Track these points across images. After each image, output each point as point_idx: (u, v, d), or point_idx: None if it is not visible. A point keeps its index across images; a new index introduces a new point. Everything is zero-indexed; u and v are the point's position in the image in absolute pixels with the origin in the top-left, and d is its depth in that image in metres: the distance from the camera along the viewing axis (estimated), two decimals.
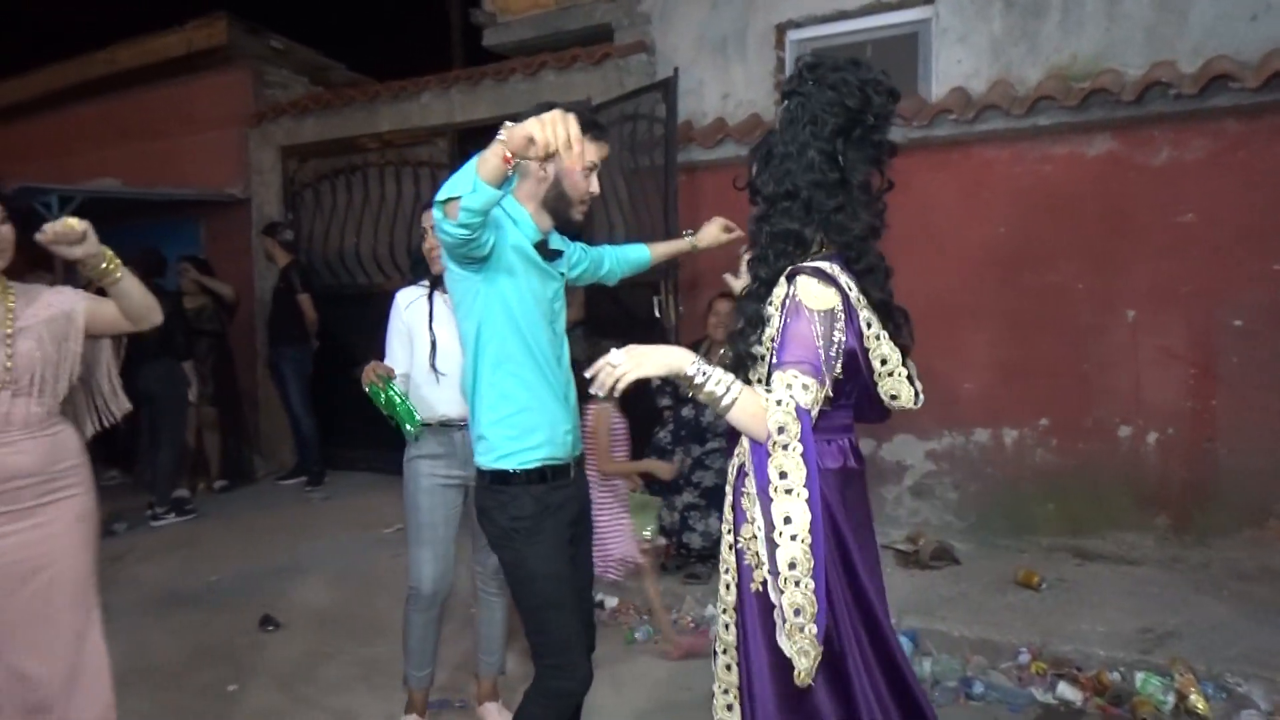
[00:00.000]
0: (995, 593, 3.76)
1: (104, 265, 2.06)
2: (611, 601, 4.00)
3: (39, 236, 1.93)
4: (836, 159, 1.71)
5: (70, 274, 5.34)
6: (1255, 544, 3.88)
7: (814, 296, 1.65)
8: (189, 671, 3.51)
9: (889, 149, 1.77)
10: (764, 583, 1.63)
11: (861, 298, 1.74)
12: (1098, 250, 4.12)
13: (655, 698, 3.23)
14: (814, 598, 1.55)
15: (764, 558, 1.59)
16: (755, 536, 1.64)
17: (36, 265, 5.29)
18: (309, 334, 6.19)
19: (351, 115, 6.54)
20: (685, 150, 4.82)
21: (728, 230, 2.68)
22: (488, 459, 2.08)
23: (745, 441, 1.68)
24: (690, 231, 2.76)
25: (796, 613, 1.55)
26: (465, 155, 1.79)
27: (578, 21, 5.66)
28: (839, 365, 1.68)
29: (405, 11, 12.18)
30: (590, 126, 2.04)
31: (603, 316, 4.71)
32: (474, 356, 2.05)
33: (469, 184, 1.72)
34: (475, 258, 1.93)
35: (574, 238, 2.37)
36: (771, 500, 1.57)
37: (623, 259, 2.61)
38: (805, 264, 1.70)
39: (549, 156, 1.67)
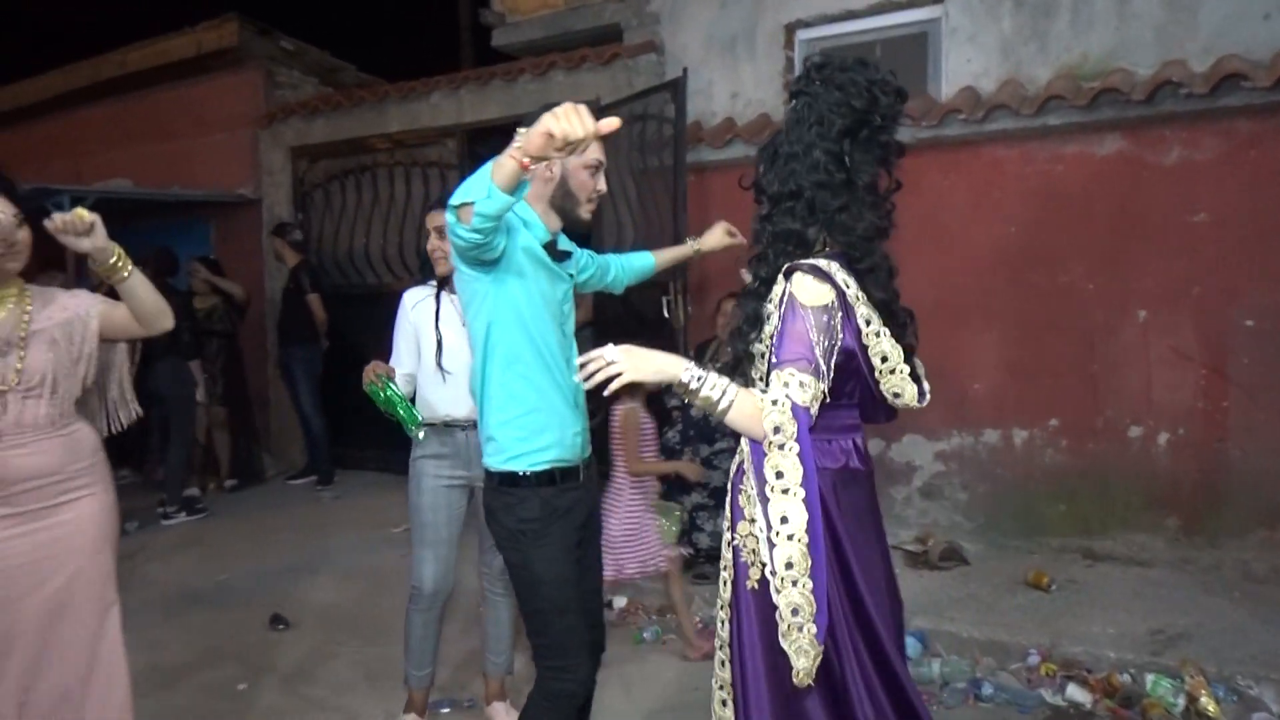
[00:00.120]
0: (1005, 594, 3.75)
1: (113, 261, 2.07)
2: (620, 602, 4.00)
3: (47, 223, 1.95)
4: (842, 159, 1.71)
5: (82, 274, 5.38)
6: (1267, 545, 3.86)
7: (808, 292, 1.65)
8: (199, 670, 3.53)
9: (896, 149, 1.76)
10: (760, 580, 1.63)
11: (860, 295, 1.73)
12: (1108, 250, 4.10)
13: (664, 698, 3.23)
14: (812, 598, 1.55)
15: (764, 557, 1.59)
16: (751, 534, 1.64)
17: (49, 265, 5.33)
18: (319, 334, 6.23)
19: (361, 116, 6.56)
20: (694, 150, 4.81)
21: (731, 235, 2.73)
22: (496, 460, 2.08)
23: (744, 441, 1.69)
24: (694, 237, 2.81)
25: (794, 612, 1.55)
26: (474, 155, 1.79)
27: (587, 22, 5.67)
28: (836, 361, 1.67)
29: (415, 12, 12.23)
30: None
31: (611, 318, 4.71)
32: (483, 358, 2.05)
33: (483, 189, 1.71)
34: (486, 261, 1.93)
35: (582, 241, 2.37)
36: (769, 500, 1.58)
37: (628, 267, 2.62)
38: (802, 261, 1.70)
39: (570, 149, 1.61)
